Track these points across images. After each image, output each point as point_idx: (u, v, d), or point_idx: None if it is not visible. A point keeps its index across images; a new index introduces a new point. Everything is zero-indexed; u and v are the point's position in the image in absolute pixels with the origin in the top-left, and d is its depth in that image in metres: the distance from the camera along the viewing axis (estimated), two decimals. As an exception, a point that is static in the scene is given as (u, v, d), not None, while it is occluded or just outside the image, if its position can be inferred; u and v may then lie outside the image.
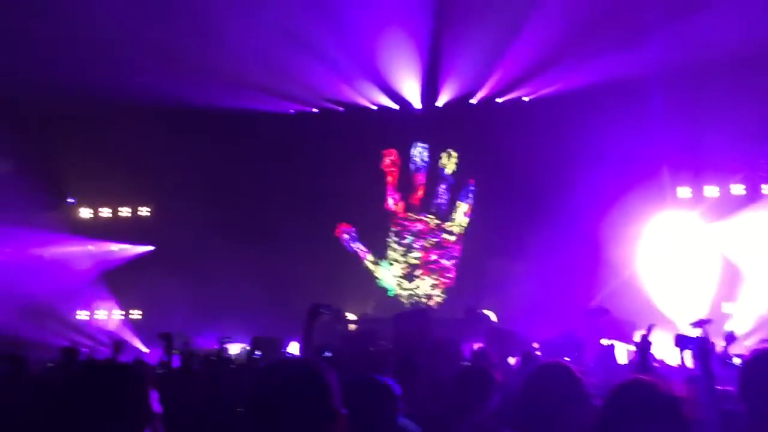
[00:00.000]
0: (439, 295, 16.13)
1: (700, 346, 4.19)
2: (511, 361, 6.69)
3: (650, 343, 6.72)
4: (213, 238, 15.28)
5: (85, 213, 17.34)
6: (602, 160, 13.57)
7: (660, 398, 2.06)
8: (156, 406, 2.16)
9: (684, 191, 14.43)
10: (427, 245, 16.46)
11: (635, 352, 8.30)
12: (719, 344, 6.47)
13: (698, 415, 2.07)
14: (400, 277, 16.41)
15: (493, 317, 13.60)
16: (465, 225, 16.34)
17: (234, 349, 10.40)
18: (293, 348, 10.64)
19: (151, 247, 16.42)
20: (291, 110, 16.60)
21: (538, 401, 3.07)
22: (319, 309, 4.96)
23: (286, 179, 15.86)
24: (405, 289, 16.26)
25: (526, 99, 15.81)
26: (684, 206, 14.23)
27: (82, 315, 16.23)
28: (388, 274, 16.45)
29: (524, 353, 6.26)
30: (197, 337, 11.81)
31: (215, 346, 11.08)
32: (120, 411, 2.10)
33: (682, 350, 4.46)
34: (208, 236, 15.29)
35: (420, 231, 16.53)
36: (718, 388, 4.91)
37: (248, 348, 10.21)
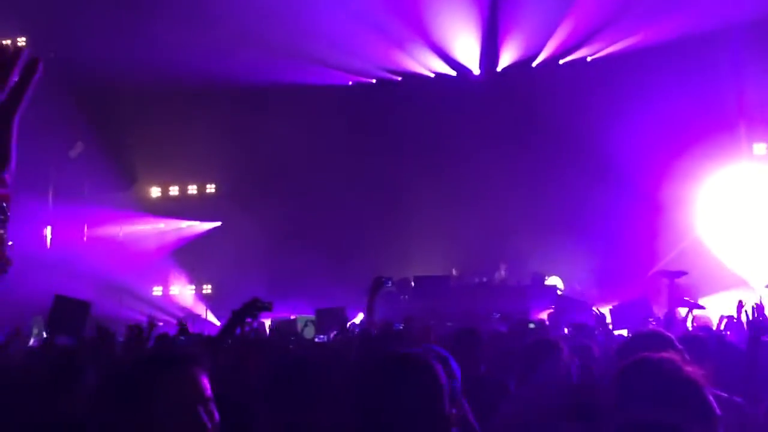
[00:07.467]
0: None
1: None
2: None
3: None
4: (277, 210, 15.52)
5: (155, 192, 17.81)
6: (674, 117, 13.08)
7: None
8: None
9: (760, 147, 13.77)
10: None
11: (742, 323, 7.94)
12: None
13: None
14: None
15: (559, 284, 13.43)
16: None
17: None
18: (359, 319, 10.71)
19: (218, 223, 16.78)
20: (349, 82, 16.53)
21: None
22: (382, 281, 5.02)
23: (347, 151, 15.75)
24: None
25: (589, 59, 15.29)
26: (760, 162, 13.59)
27: (156, 291, 16.77)
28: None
29: (575, 324, 6.20)
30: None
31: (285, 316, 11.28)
32: None
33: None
34: (272, 209, 15.53)
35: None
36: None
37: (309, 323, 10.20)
